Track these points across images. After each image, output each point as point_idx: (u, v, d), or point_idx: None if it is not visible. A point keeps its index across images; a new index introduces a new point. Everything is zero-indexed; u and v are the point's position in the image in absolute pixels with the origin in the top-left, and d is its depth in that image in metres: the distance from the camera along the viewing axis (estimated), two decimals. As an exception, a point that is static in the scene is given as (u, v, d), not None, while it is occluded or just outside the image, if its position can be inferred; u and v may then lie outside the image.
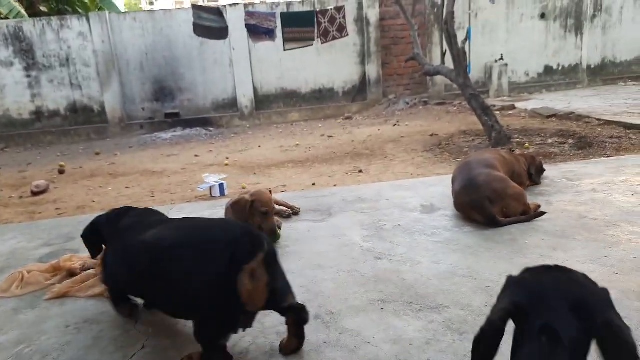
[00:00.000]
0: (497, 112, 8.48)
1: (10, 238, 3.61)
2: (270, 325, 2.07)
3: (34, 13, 12.44)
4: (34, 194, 5.74)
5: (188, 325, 2.10)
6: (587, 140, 5.91)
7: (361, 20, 11.27)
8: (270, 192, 3.10)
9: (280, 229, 3.17)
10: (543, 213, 3.12)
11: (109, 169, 7.19)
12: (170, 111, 11.10)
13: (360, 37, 11.33)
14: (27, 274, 2.66)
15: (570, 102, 9.31)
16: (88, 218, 3.33)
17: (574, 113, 7.76)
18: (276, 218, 3.16)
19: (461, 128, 7.83)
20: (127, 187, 5.73)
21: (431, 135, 7.54)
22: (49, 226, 3.88)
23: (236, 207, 2.92)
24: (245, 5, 10.88)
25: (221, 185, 4.94)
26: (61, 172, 7.06)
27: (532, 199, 3.42)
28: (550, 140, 6.20)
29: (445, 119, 9.25)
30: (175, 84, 11.10)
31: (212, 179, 5.10)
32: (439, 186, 4.04)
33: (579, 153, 5.38)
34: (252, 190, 3.06)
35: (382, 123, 9.63)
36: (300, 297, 2.32)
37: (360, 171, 5.59)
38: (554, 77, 12.32)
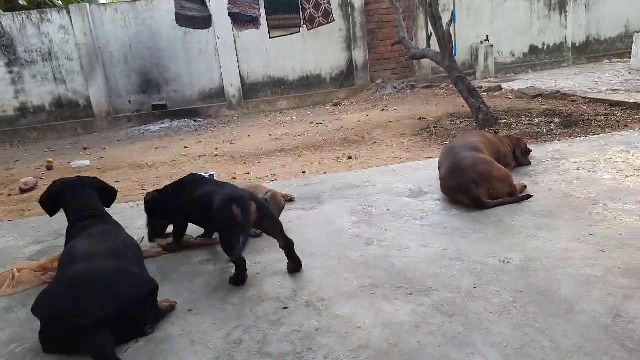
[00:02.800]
0: (484, 94, 8.49)
1: (-1, 237, 3.58)
2: (262, 314, 2.09)
3: (12, 7, 12.16)
4: (23, 191, 5.68)
5: (177, 322, 2.11)
6: (573, 119, 5.95)
7: (346, 5, 11.17)
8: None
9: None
10: (530, 196, 3.15)
11: (97, 163, 7.12)
12: (157, 103, 10.97)
13: (346, 22, 11.24)
14: (18, 272, 2.65)
15: (556, 81, 9.35)
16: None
17: (559, 92, 7.80)
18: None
19: (449, 111, 7.83)
20: (116, 181, 5.67)
21: (419, 119, 7.53)
22: (38, 223, 3.85)
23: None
24: (229, -7, 10.70)
25: (211, 176, 4.91)
26: (49, 168, 6.98)
27: (518, 180, 3.45)
28: (536, 120, 6.23)
29: (432, 102, 9.25)
30: (161, 76, 10.96)
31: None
32: (427, 170, 4.06)
33: (565, 132, 5.42)
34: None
35: (371, 108, 9.60)
36: (291, 285, 2.34)
37: (350, 157, 5.58)
38: (539, 57, 12.34)
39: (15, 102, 10.60)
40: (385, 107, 9.37)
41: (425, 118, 7.51)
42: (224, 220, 2.37)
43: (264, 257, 2.72)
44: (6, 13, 10.61)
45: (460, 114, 7.31)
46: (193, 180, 2.91)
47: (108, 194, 2.80)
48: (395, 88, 10.93)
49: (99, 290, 1.92)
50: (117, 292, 1.94)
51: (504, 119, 6.44)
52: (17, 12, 10.58)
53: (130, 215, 3.69)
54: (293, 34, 10.48)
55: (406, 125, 7.15)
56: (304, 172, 5.18)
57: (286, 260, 2.49)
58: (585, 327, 1.79)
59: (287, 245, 2.47)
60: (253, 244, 2.88)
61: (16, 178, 6.43)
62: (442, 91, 10.28)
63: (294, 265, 2.48)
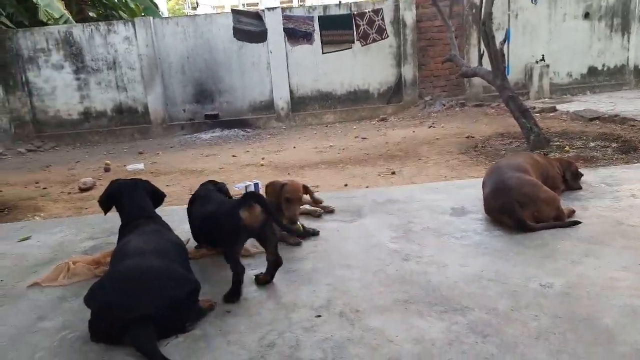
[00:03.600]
0: (537, 115, 8.27)
1: (58, 231, 3.84)
2: (296, 321, 2.14)
3: (82, 18, 13.06)
4: (82, 190, 6.05)
5: (215, 322, 2.19)
6: (632, 144, 5.69)
7: (397, 22, 11.22)
8: (306, 187, 3.20)
9: (303, 228, 3.23)
10: (577, 222, 3.04)
11: (150, 167, 7.48)
12: (209, 112, 11.41)
13: (397, 38, 11.29)
14: (73, 265, 2.83)
15: (615, 104, 8.95)
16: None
17: (618, 116, 7.47)
18: (300, 220, 3.27)
19: (498, 130, 7.69)
20: (167, 185, 5.94)
21: (467, 137, 7.45)
22: (94, 221, 4.09)
23: (269, 188, 3.14)
24: (283, 9, 11.04)
25: (256, 185, 5.05)
26: (107, 170, 7.41)
27: (567, 204, 3.35)
28: (592, 144, 6.00)
29: (482, 121, 9.10)
30: (215, 87, 11.40)
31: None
32: (472, 189, 4.01)
33: (622, 157, 5.19)
34: (289, 179, 3.26)
35: (417, 125, 9.57)
36: (326, 294, 2.38)
37: (393, 173, 5.60)
38: (598, 78, 11.87)
39: (80, 107, 11.32)
40: (433, 124, 9.31)
41: (473, 137, 7.41)
42: (230, 226, 2.36)
43: (301, 265, 2.78)
44: (77, 24, 11.41)
45: (511, 134, 7.15)
46: (200, 194, 2.98)
47: (158, 197, 2.96)
48: (444, 105, 10.83)
49: (146, 287, 2.04)
50: (162, 289, 2.05)
51: (556, 141, 6.25)
52: (86, 23, 11.36)
53: (178, 218, 3.86)
54: (346, 49, 10.66)
55: (453, 143, 7.07)
56: (346, 185, 5.23)
57: (322, 270, 2.52)
58: (626, 358, 1.72)
59: (276, 263, 2.48)
60: (291, 252, 2.96)
61: (76, 178, 6.86)
62: (493, 110, 10.09)
63: (267, 279, 2.50)
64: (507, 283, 2.36)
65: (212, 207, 2.70)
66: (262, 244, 2.55)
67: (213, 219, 2.55)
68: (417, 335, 1.95)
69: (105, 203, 2.85)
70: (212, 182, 3.26)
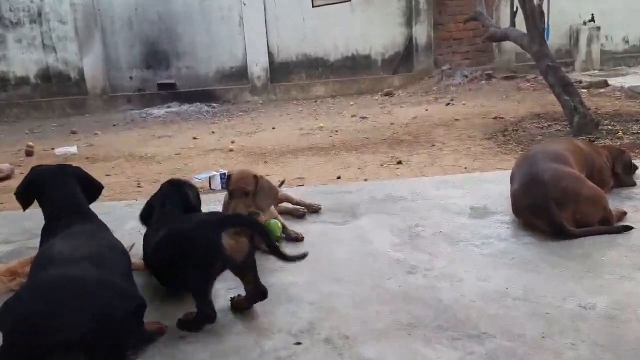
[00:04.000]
0: (584, 90, 8.34)
1: (-37, 233, 3.81)
2: (270, 349, 2.15)
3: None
4: (-5, 179, 5.98)
5: (165, 350, 2.20)
6: (702, 129, 5.78)
7: (409, -31, 11.22)
8: (282, 182, 3.22)
9: (281, 228, 3.28)
10: (629, 227, 3.09)
11: (86, 151, 7.42)
12: (164, 81, 11.33)
13: (407, -11, 11.29)
14: (-18, 276, 2.81)
15: (683, 79, 9.06)
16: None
17: (686, 94, 7.57)
18: (278, 218, 3.36)
19: (534, 110, 7.74)
20: (107, 175, 5.90)
21: (494, 118, 7.49)
22: (10, 219, 4.07)
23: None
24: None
25: (223, 175, 5.05)
26: (29, 154, 7.33)
27: (616, 204, 3.40)
28: (651, 129, 6.08)
29: (514, 97, 9.15)
30: (171, 47, 11.31)
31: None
32: (498, 184, 4.05)
33: (689, 147, 5.27)
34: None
35: (432, 101, 9.59)
36: (309, 315, 2.40)
37: (399, 162, 5.62)
38: (662, 46, 11.99)
39: (-6, 72, 11.16)
40: (452, 100, 9.34)
41: (502, 117, 7.45)
42: (205, 256, 2.31)
43: (278, 278, 2.80)
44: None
45: (549, 114, 7.21)
46: (156, 204, 2.91)
47: (93, 188, 2.94)
48: (466, 77, 10.87)
49: (74, 304, 2.03)
50: (96, 307, 2.04)
51: (607, 125, 6.32)
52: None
53: (120, 216, 3.85)
54: (342, 1, 10.64)
55: (477, 126, 7.12)
56: (338, 177, 5.24)
57: (304, 285, 2.53)
58: (684, 398, 1.77)
59: (261, 294, 2.43)
60: (266, 261, 2.97)
61: (-12, 164, 6.77)
62: (528, 84, 10.15)
63: (244, 305, 2.46)
64: (538, 302, 2.39)
65: (177, 226, 2.56)
66: (238, 275, 2.46)
67: (178, 245, 2.42)
68: (423, 368, 1.98)
69: (25, 196, 2.82)
70: (175, 183, 3.02)
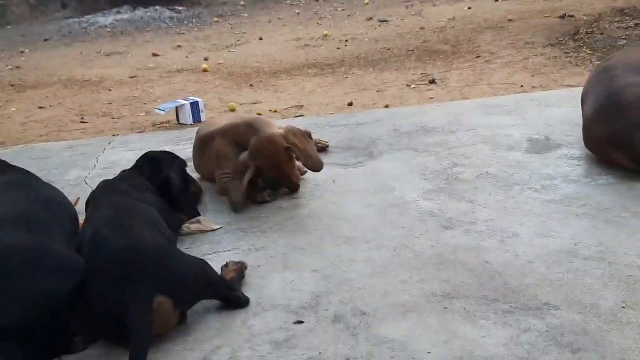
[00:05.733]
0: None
1: None
2: (261, 330, 2.19)
3: None
4: None
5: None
6: None
7: None
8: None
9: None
10: None
11: (11, 76, 7.39)
12: (110, -23, 11.16)
13: None
14: None
15: None
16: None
17: None
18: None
19: (616, 4, 7.60)
20: (41, 107, 5.91)
21: (562, 16, 7.39)
22: None
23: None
24: None
25: (194, 105, 5.03)
26: None
27: None
28: None
29: (588, -13, 9.00)
30: None
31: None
32: (565, 106, 4.01)
33: None
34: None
35: (476, -5, 9.46)
36: (312, 286, 2.43)
37: (432, 82, 5.58)
38: None
39: None
40: (503, -7, 9.21)
41: (572, 16, 7.34)
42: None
43: (269, 238, 2.83)
44: None
45: (638, 10, 7.09)
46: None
47: None
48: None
49: (3, 281, 2.06)
50: (32, 283, 2.07)
51: None
52: None
53: (59, 162, 3.85)
54: None
55: (537, 28, 7.02)
56: (350, 103, 5.21)
57: (306, 246, 2.55)
58: None
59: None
60: (254, 217, 2.99)
61: None
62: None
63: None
64: (617, 263, 2.40)
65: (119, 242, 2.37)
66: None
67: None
68: (464, 350, 2.01)
69: None
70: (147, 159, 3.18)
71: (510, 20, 7.54)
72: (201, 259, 2.42)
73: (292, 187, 3.30)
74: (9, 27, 10.84)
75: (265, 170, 3.21)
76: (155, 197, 2.95)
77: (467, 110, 4.28)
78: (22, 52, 8.79)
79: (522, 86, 5.15)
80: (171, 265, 2.24)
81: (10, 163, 2.87)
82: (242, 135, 3.33)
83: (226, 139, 3.42)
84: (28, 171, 2.82)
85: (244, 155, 3.25)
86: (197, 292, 2.28)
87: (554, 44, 6.36)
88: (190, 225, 3.02)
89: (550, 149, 3.50)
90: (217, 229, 3.01)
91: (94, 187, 2.99)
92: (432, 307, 2.24)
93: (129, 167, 3.13)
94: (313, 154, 3.24)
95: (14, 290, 2.05)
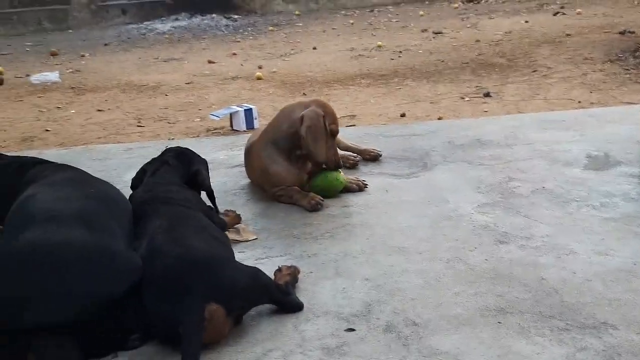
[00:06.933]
0: None
1: None
2: (313, 336, 2.21)
3: None
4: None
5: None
6: None
7: None
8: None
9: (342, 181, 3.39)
10: None
11: (71, 79, 7.55)
12: (169, -16, 11.33)
13: None
14: None
15: None
16: (36, 155, 3.60)
17: None
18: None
19: (680, 20, 7.50)
20: (100, 110, 6.04)
21: (621, 32, 7.31)
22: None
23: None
24: None
25: (248, 112, 5.08)
26: (-2, 81, 7.51)
27: None
28: None
29: (650, 3, 8.86)
30: (179, -62, 11.26)
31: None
32: (625, 123, 3.97)
33: None
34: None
35: (534, 9, 9.41)
36: (364, 295, 2.44)
37: (487, 95, 5.55)
38: None
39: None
40: (562, 7, 9.15)
41: (632, 32, 7.25)
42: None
43: (322, 245, 2.85)
44: None
45: None
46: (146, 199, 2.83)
47: None
48: (583, -25, 10.54)
49: (56, 280, 2.11)
50: (88, 283, 2.12)
51: None
52: None
53: (118, 164, 3.94)
54: None
55: (596, 44, 6.95)
56: (403, 114, 5.22)
57: (358, 256, 2.56)
58: None
59: None
60: (307, 224, 3.01)
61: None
62: (670, -16, 9.78)
63: None
64: (679, 284, 2.37)
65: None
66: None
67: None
68: (517, 366, 2.01)
69: None
70: (175, 154, 3.15)
71: (568, 35, 7.48)
72: (254, 266, 2.43)
73: (331, 164, 3.32)
74: (70, 31, 11.11)
75: (328, 124, 3.33)
76: (196, 198, 2.94)
77: (523, 124, 4.26)
78: (82, 56, 8.99)
79: (579, 102, 5.10)
80: (223, 273, 2.24)
81: (66, 164, 2.93)
82: (282, 122, 3.44)
83: (263, 141, 3.47)
84: (82, 170, 2.89)
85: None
86: (251, 299, 2.29)
87: (613, 60, 6.28)
88: (227, 234, 2.99)
89: (610, 166, 3.46)
90: (252, 239, 2.99)
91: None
92: (485, 321, 2.23)
93: (153, 161, 3.10)
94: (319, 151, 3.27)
95: (73, 288, 2.10)
